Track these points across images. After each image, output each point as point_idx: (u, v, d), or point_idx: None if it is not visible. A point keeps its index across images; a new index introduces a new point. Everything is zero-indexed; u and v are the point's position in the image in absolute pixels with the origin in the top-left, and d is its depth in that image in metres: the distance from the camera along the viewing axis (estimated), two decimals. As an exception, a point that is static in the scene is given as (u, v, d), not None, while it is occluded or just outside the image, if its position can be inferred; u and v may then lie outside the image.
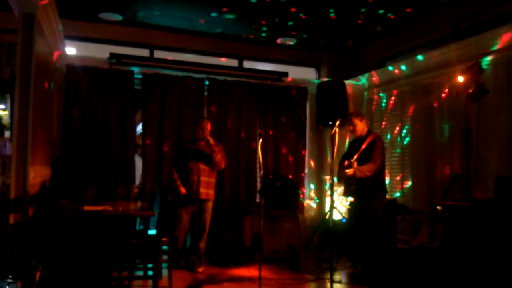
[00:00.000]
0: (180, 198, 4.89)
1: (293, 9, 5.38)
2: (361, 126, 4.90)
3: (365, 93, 6.62)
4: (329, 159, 6.80)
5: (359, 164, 4.66)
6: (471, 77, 4.22)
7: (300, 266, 5.24)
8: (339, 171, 4.88)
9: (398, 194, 5.83)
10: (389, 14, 5.49)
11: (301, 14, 5.53)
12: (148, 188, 5.48)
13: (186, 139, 5.61)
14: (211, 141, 5.01)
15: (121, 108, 5.81)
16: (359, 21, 5.73)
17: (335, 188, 6.05)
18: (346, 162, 4.74)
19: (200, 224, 5.10)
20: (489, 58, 4.58)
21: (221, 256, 5.69)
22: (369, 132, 4.91)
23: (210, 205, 5.14)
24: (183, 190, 4.89)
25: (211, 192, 5.12)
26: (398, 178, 5.90)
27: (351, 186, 4.76)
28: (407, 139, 5.76)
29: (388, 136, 6.07)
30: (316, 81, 6.93)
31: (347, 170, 4.63)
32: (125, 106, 5.84)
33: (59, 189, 4.54)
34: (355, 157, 4.76)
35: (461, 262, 3.70)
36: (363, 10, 5.36)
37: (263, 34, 6.32)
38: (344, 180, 4.85)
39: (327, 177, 6.77)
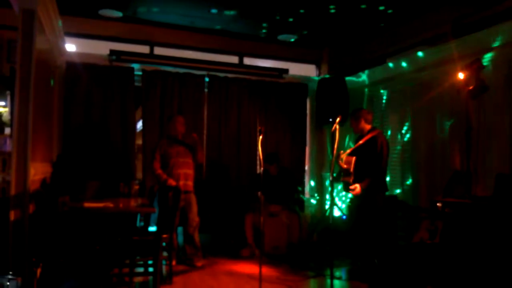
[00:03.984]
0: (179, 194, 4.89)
1: (294, 6, 5.36)
2: (357, 125, 4.90)
3: (366, 89, 6.61)
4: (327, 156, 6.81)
5: (356, 160, 4.70)
6: (472, 74, 4.22)
7: (301, 263, 5.25)
8: (339, 174, 4.92)
9: (398, 191, 5.82)
10: (390, 11, 5.47)
11: (301, 11, 5.51)
12: (149, 185, 5.49)
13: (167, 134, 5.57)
14: (197, 138, 5.19)
15: (121, 105, 5.82)
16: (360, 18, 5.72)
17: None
18: (342, 164, 4.80)
19: (190, 216, 5.11)
20: (490, 55, 4.57)
21: (222, 252, 5.71)
22: (371, 129, 4.89)
23: (193, 197, 5.17)
24: (172, 182, 4.90)
25: (190, 183, 5.15)
26: (398, 174, 5.89)
27: (349, 182, 4.77)
28: (408, 136, 5.76)
29: (389, 133, 6.06)
30: (317, 78, 6.93)
31: (351, 187, 4.65)
32: (126, 103, 5.84)
33: (60, 186, 4.53)
34: (348, 151, 4.83)
35: (461, 258, 3.71)
36: (363, 6, 5.34)
37: (264, 31, 6.31)
38: (342, 176, 4.87)
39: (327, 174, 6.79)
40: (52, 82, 5.16)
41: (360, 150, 4.79)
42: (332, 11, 5.45)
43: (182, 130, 5.22)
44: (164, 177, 4.97)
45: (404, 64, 5.76)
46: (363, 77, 6.55)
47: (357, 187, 4.61)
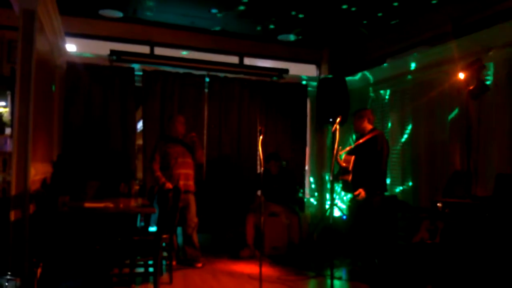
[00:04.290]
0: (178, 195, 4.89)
1: (294, 6, 5.36)
2: (360, 124, 4.90)
3: (366, 90, 6.61)
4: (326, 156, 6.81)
5: (355, 159, 4.72)
6: (472, 74, 4.22)
7: (301, 263, 5.25)
8: (338, 173, 4.92)
9: (398, 191, 5.82)
10: (391, 8, 5.47)
11: (297, 13, 5.52)
12: (149, 185, 5.50)
13: (166, 134, 5.51)
14: (195, 138, 5.17)
15: (121, 105, 5.82)
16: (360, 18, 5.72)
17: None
18: (342, 163, 4.80)
19: (189, 217, 5.11)
20: (490, 54, 4.56)
21: (222, 252, 5.71)
22: (372, 130, 4.89)
23: (192, 197, 5.16)
24: (170, 186, 4.88)
25: (190, 183, 5.15)
26: (399, 174, 5.89)
27: (348, 181, 4.78)
28: (408, 135, 5.76)
29: (389, 132, 6.06)
30: (317, 78, 6.93)
31: (356, 193, 4.65)
32: (126, 103, 5.84)
33: (60, 186, 4.54)
34: (347, 148, 4.83)
35: (462, 258, 3.71)
36: (352, 8, 5.35)
37: (265, 30, 6.30)
38: (341, 174, 4.89)
39: (328, 174, 6.79)
40: (53, 88, 5.17)
41: (360, 149, 4.80)
42: (344, 6, 5.45)
43: (182, 130, 5.21)
44: (162, 180, 4.96)
45: (404, 64, 5.75)
46: (363, 77, 6.55)
47: (361, 191, 4.60)
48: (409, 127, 5.74)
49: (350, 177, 4.75)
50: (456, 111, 4.97)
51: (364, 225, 4.69)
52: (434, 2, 5.11)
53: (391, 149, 5.90)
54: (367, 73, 6.45)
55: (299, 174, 6.63)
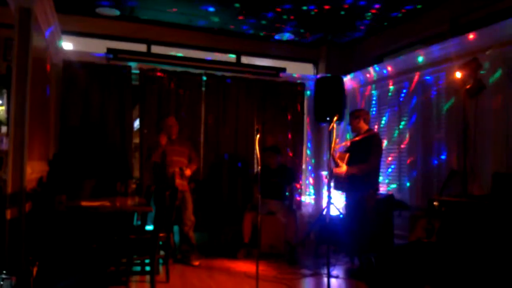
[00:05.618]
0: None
1: (292, 4, 5.36)
2: (356, 124, 4.94)
3: (363, 88, 6.62)
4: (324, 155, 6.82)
5: (350, 156, 4.78)
6: (469, 73, 4.23)
7: (298, 262, 5.25)
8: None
9: (395, 190, 5.83)
10: (389, 10, 5.48)
11: (296, 11, 5.51)
12: (146, 183, 5.49)
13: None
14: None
15: (118, 104, 5.80)
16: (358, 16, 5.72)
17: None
18: (336, 155, 4.84)
19: (186, 215, 5.13)
20: (487, 53, 4.57)
21: (220, 251, 5.71)
22: (368, 130, 4.93)
23: (188, 196, 5.21)
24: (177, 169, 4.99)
25: (186, 182, 5.19)
26: (395, 173, 5.90)
27: (341, 180, 4.81)
28: (405, 134, 5.76)
29: (385, 131, 6.07)
30: (314, 77, 6.93)
31: (337, 169, 4.68)
32: (123, 102, 5.82)
33: (57, 185, 4.53)
34: (342, 143, 4.88)
35: (459, 257, 3.72)
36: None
37: (262, 29, 6.30)
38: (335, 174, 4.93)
39: (325, 173, 6.80)
40: (49, 81, 5.15)
41: (355, 147, 4.83)
42: (343, 11, 5.44)
43: (174, 131, 5.23)
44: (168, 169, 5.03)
45: (401, 63, 5.76)
46: (361, 76, 6.55)
47: (343, 166, 4.71)
48: (406, 125, 5.74)
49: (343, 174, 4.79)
50: (452, 110, 4.97)
51: (360, 223, 4.71)
52: (419, 7, 5.20)
53: (387, 148, 5.93)
54: (364, 71, 6.45)
55: (296, 173, 6.63)
